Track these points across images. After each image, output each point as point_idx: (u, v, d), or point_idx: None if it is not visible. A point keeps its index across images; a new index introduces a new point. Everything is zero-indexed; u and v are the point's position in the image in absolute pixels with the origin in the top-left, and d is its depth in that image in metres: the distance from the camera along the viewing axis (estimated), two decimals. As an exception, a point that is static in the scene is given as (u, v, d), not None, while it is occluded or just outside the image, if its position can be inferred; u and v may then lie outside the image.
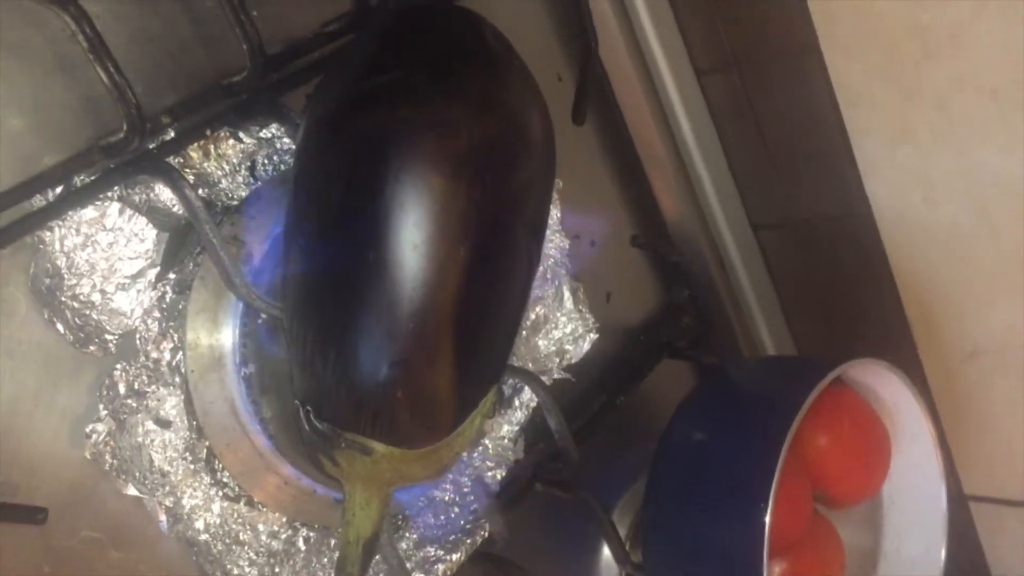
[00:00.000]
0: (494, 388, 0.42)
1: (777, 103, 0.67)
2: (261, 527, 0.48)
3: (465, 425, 0.42)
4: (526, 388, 0.56)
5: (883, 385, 0.60)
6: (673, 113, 0.67)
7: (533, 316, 0.59)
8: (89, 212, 0.43)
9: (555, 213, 0.59)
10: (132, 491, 0.43)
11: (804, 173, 0.68)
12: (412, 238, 0.37)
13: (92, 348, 0.42)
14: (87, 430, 0.42)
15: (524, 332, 0.59)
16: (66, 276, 0.42)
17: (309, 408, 0.40)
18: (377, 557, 0.45)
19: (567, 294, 0.60)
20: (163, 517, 0.45)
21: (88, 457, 0.42)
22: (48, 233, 0.42)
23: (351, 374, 0.39)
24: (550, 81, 0.60)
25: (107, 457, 0.43)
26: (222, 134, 0.47)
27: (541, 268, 0.59)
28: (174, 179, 0.42)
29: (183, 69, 0.45)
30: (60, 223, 0.42)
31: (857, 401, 0.61)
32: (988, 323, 0.66)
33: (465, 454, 0.54)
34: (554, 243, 0.60)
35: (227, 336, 0.46)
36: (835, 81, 0.63)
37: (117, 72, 0.40)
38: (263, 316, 0.45)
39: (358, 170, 0.38)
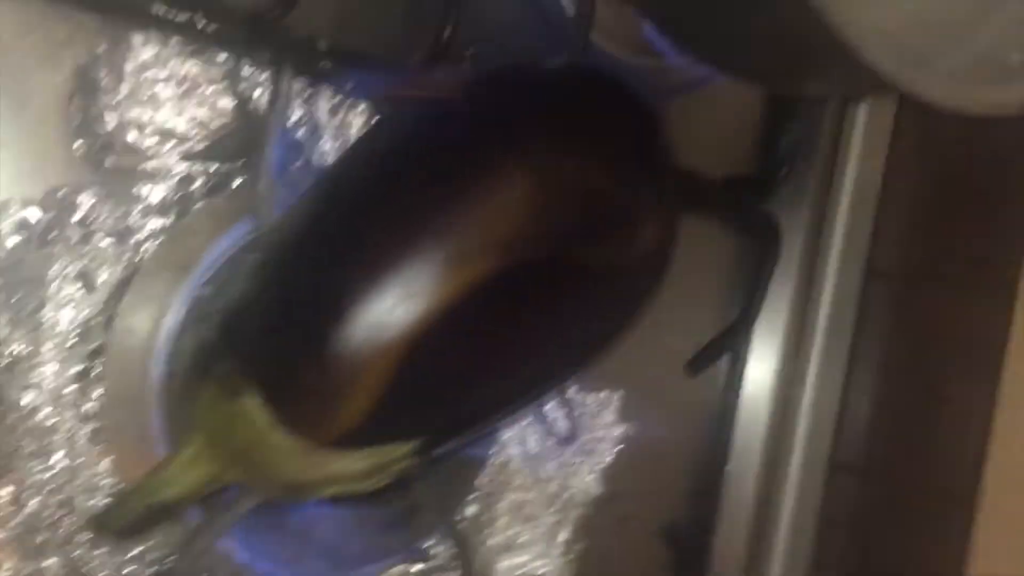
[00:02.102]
0: (410, 450, 0.33)
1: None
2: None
3: (351, 460, 0.32)
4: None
5: None
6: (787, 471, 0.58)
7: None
8: (193, 63, 0.40)
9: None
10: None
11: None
12: (463, 201, 0.32)
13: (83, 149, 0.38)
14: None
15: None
16: (123, 87, 0.39)
17: (221, 317, 0.33)
18: None
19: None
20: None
21: None
22: (140, 38, 0.39)
23: (291, 308, 0.32)
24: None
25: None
26: (360, 106, 0.43)
27: (554, 490, 0.50)
28: (281, 72, 0.38)
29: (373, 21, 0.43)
30: (160, 46, 0.39)
31: None
32: None
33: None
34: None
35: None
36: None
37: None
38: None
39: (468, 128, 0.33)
